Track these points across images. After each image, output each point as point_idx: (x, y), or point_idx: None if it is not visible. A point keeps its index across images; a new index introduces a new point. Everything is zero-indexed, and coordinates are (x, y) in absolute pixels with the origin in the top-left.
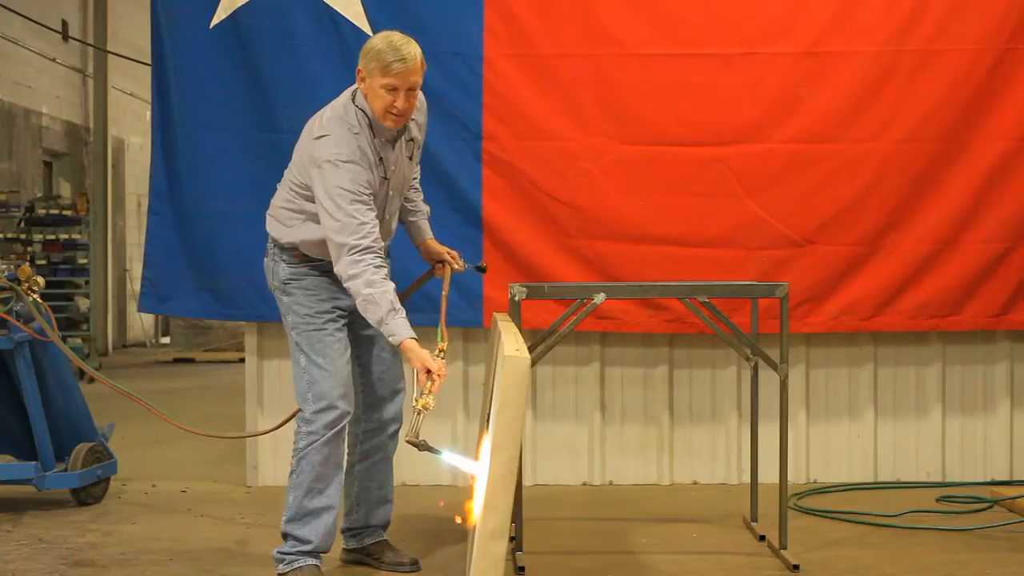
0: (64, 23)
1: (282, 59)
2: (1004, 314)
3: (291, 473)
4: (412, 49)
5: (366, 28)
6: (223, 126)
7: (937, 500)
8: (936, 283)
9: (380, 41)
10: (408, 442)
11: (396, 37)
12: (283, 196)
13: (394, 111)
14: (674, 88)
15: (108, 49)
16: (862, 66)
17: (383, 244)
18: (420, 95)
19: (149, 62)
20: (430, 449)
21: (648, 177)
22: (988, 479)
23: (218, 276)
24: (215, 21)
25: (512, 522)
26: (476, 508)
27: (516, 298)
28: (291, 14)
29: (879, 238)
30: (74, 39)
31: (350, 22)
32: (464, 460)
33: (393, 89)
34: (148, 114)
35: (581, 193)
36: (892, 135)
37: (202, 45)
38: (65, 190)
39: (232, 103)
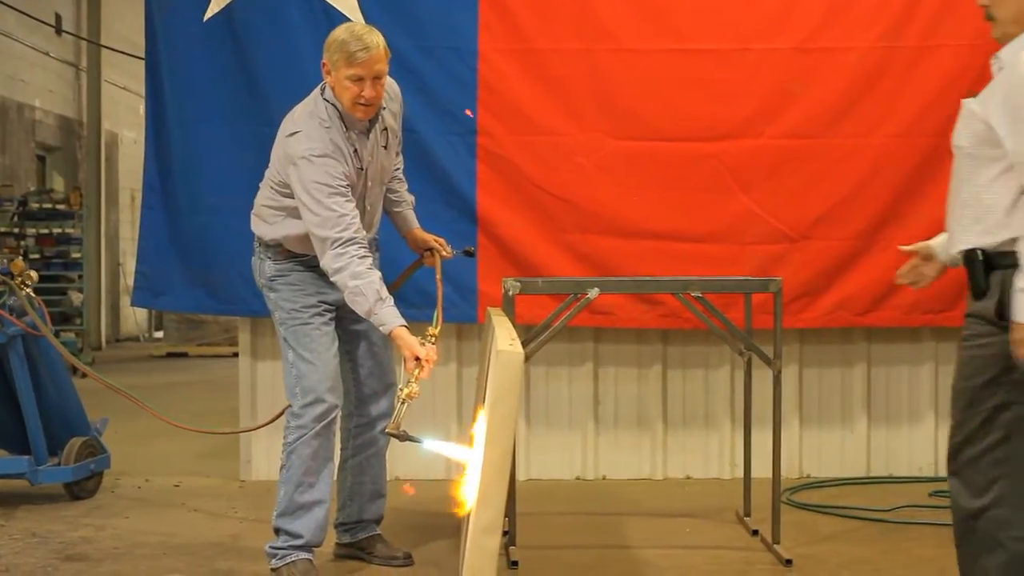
0: (58, 17)
1: (276, 53)
2: None
3: (281, 468)
4: (375, 38)
5: (360, 22)
6: (217, 120)
7: (930, 495)
8: None
9: (343, 32)
10: (388, 433)
11: (358, 27)
12: (265, 194)
13: (362, 101)
14: (668, 83)
15: (101, 43)
16: (856, 62)
17: (366, 235)
18: (393, 84)
19: (142, 56)
20: (411, 439)
21: (642, 172)
22: None
23: (211, 271)
24: (208, 14)
25: (505, 516)
26: (469, 501)
27: (510, 292)
28: (285, 7)
29: (874, 233)
30: (67, 33)
31: (344, 16)
32: (447, 446)
33: (359, 79)
34: (141, 108)
35: (575, 188)
36: (887, 130)
37: (195, 39)
38: (58, 184)
39: (226, 97)
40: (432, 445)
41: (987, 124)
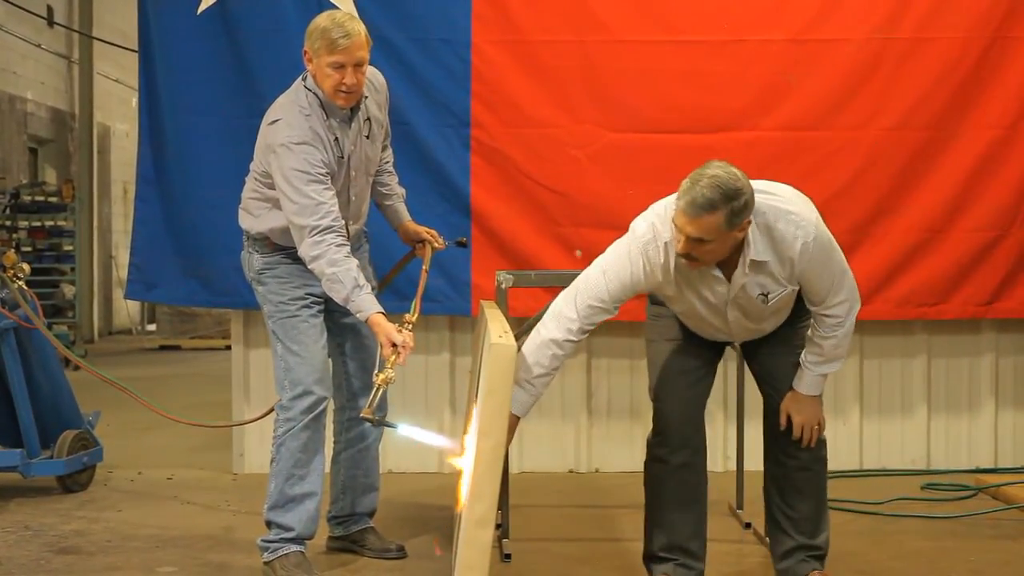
0: (49, 9)
1: (269, 45)
2: (992, 302)
3: (272, 461)
4: (356, 25)
5: (352, 12)
6: (210, 112)
7: (922, 488)
8: (925, 272)
9: (324, 20)
10: (362, 417)
11: (339, 15)
12: (250, 187)
13: (343, 88)
14: (662, 75)
15: (94, 35)
16: (850, 54)
17: (344, 223)
18: (378, 75)
19: (135, 48)
20: (386, 424)
21: (636, 164)
22: (972, 467)
23: (204, 263)
24: (202, 7)
25: (498, 509)
26: (462, 495)
27: (503, 285)
28: (279, 0)
29: (868, 226)
30: (59, 25)
31: (338, 8)
32: (423, 433)
33: (340, 66)
34: (134, 101)
35: (569, 180)
36: (881, 123)
37: (189, 31)
38: (50, 177)
39: (219, 89)
40: (407, 431)
41: (792, 289)
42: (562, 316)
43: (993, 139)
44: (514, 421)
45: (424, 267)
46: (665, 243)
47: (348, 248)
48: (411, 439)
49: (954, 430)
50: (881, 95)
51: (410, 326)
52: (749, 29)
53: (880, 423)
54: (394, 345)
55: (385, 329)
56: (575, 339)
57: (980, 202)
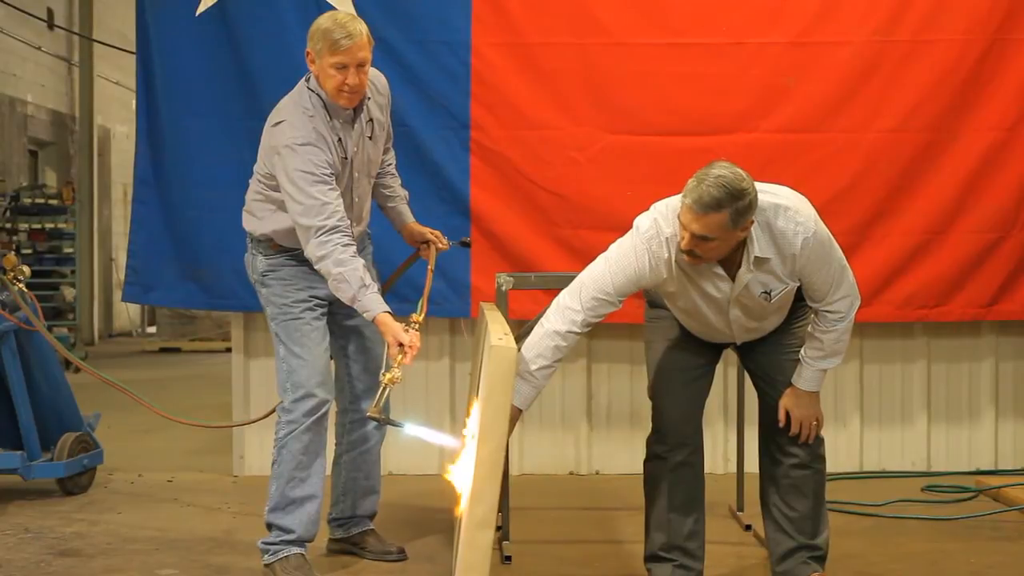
0: (50, 11)
1: (268, 47)
2: (993, 304)
3: (273, 463)
4: (358, 26)
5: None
6: (209, 114)
7: (922, 490)
8: (925, 273)
9: (326, 20)
10: (369, 416)
11: (341, 15)
12: (253, 189)
13: (346, 89)
14: (662, 77)
15: (94, 38)
16: (850, 56)
17: (349, 224)
18: (380, 76)
19: (135, 50)
20: (392, 423)
21: (636, 166)
22: (973, 469)
23: (203, 265)
24: (201, 8)
25: (499, 511)
26: (462, 496)
27: (503, 288)
28: (277, 1)
29: (868, 228)
30: (60, 27)
31: (337, 10)
32: (429, 432)
33: (343, 67)
34: (134, 103)
35: (568, 182)
36: (880, 125)
37: (188, 33)
38: (51, 179)
39: (218, 91)
40: (413, 430)
41: (793, 285)
42: (566, 309)
43: (993, 141)
44: (516, 413)
45: (429, 267)
46: (667, 238)
47: (354, 248)
48: (417, 438)
49: (954, 434)
50: (880, 97)
51: (417, 326)
52: (748, 31)
53: (880, 427)
54: (401, 345)
55: (392, 329)
56: (578, 331)
57: (980, 204)
